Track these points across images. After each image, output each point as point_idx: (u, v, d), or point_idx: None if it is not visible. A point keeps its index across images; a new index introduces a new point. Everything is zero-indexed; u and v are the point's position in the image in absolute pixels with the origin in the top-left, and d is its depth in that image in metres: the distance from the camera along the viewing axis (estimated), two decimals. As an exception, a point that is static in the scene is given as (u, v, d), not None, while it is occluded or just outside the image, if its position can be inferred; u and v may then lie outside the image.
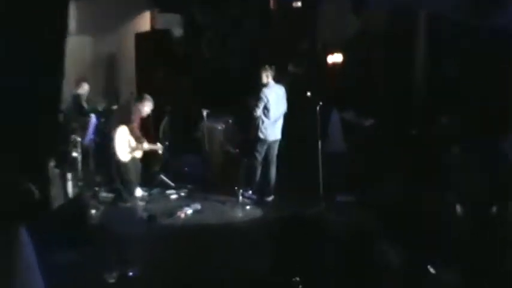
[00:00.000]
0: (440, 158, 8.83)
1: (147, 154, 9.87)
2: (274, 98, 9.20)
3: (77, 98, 9.77)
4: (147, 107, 9.61)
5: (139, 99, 9.79)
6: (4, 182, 6.77)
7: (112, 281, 7.08)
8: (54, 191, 8.18)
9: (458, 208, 7.46)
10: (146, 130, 9.63)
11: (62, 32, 5.71)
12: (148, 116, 9.75)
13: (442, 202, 7.77)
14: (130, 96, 10.02)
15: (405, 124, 10.18)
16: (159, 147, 9.80)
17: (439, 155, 8.90)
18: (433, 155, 8.99)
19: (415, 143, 9.71)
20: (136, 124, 9.50)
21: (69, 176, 8.98)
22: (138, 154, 9.60)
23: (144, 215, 8.89)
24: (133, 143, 9.46)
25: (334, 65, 10.62)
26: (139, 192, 9.52)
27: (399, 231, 7.21)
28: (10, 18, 5.44)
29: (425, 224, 7.22)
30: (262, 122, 9.17)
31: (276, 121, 9.25)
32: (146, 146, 9.62)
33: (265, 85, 9.20)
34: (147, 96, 9.77)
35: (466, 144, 8.68)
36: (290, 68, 10.85)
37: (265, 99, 9.14)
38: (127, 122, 9.50)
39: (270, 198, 9.31)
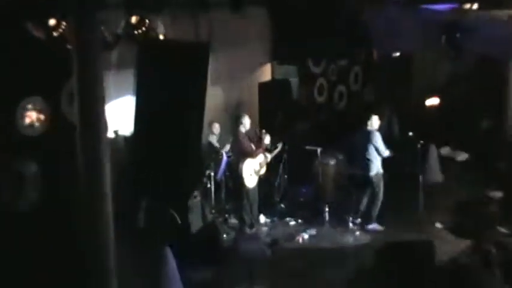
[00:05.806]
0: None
1: (267, 185, 10.28)
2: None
3: (210, 139, 10.10)
4: (243, 127, 9.83)
5: (237, 122, 9.90)
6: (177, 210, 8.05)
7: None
8: (192, 218, 9.07)
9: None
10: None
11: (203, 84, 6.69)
12: (266, 148, 9.97)
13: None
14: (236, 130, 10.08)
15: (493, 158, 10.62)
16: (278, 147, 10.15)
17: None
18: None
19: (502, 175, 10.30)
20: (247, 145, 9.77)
21: (204, 205, 9.50)
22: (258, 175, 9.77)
23: (268, 239, 9.49)
24: (257, 167, 9.76)
25: (431, 107, 11.04)
26: (262, 219, 10.17)
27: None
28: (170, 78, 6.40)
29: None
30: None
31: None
32: (268, 155, 9.96)
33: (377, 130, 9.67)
34: (242, 115, 9.96)
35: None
36: (388, 111, 11.14)
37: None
38: (244, 150, 9.75)
39: (379, 228, 9.66)
